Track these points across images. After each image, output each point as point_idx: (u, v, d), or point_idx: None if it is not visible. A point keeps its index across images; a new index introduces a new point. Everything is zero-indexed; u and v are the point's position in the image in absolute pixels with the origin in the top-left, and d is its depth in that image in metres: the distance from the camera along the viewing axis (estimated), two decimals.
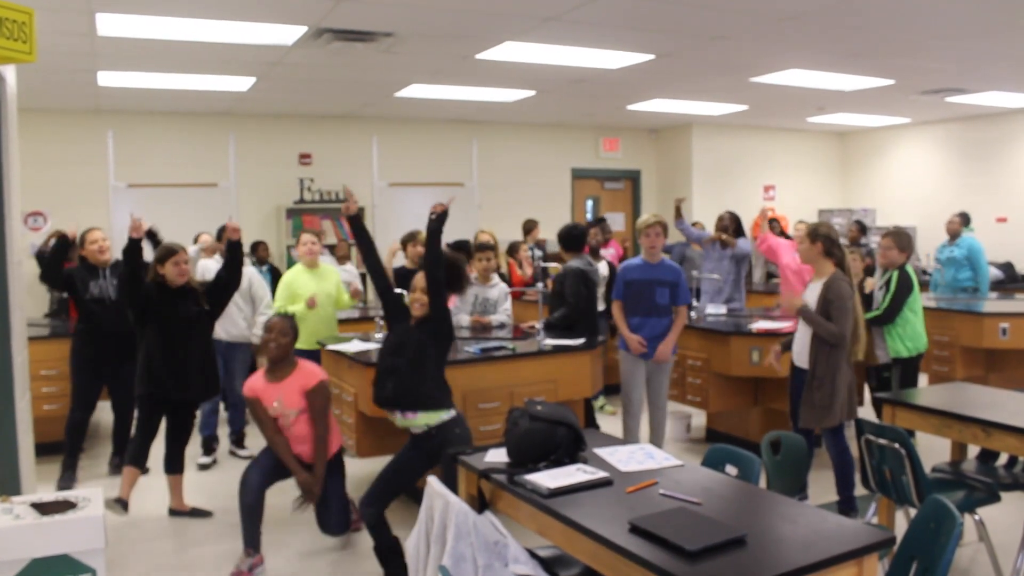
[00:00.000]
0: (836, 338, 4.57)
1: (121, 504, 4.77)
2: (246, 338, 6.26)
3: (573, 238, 6.13)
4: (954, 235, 8.82)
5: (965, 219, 9.07)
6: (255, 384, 4.40)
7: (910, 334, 5.51)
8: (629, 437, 5.55)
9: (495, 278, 6.20)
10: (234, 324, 6.13)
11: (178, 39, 5.88)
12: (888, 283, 5.54)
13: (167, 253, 4.90)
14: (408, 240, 6.65)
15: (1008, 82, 8.34)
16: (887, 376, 5.77)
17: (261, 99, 8.61)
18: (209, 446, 6.21)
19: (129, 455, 4.95)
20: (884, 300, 5.52)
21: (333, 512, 4.41)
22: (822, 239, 4.75)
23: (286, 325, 4.39)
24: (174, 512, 5.09)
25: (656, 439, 5.62)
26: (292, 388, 4.29)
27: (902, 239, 5.59)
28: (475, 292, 6.11)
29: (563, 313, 5.85)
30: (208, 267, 6.33)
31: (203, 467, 6.10)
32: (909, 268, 5.56)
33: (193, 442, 6.40)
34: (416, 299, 3.98)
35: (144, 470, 5.01)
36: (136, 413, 5.08)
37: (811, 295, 4.77)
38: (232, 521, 5.01)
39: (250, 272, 6.44)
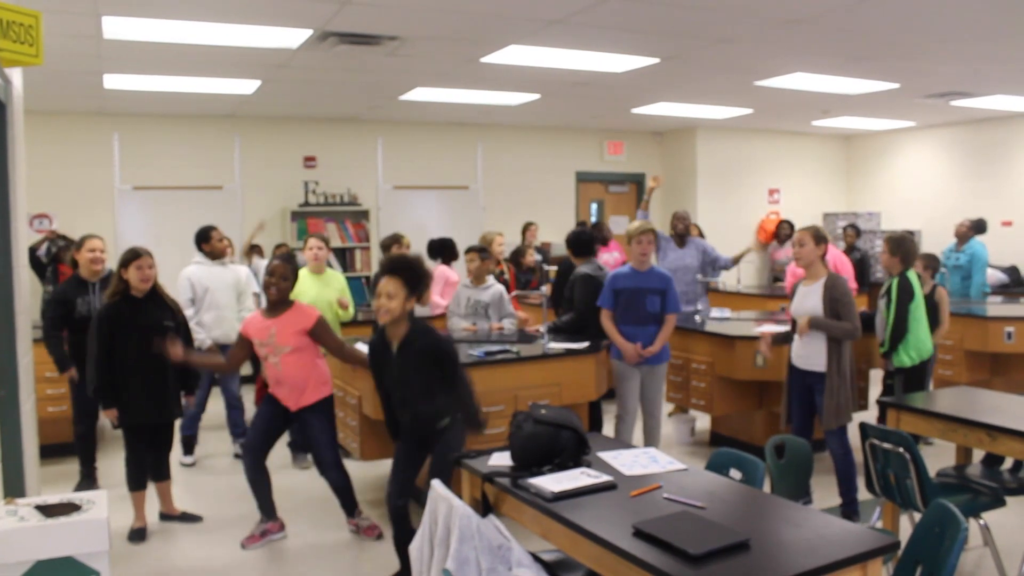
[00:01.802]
0: (852, 334, 4.64)
1: (140, 534, 4.81)
2: None
3: (583, 243, 6.11)
4: (962, 239, 8.66)
5: (978, 226, 8.80)
6: (252, 321, 4.60)
7: (913, 343, 5.31)
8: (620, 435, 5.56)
9: (489, 279, 6.10)
10: (230, 325, 6.13)
11: (184, 42, 5.89)
12: (889, 292, 5.34)
13: (131, 256, 4.69)
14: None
15: (1014, 85, 8.31)
16: (890, 383, 5.74)
17: (266, 102, 8.62)
18: (189, 445, 6.26)
19: (130, 482, 4.86)
20: (888, 313, 5.30)
21: (325, 449, 4.63)
22: (825, 244, 4.79)
23: (287, 269, 4.56)
24: (164, 516, 5.08)
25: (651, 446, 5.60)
26: (287, 324, 4.51)
27: (895, 244, 5.33)
28: (467, 295, 6.04)
29: (571, 317, 5.83)
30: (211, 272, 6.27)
31: (186, 466, 6.15)
32: (910, 274, 5.32)
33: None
34: (381, 305, 3.86)
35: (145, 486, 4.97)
36: (122, 434, 4.96)
37: (810, 299, 4.76)
38: (225, 525, 5.02)
39: (240, 270, 6.48)
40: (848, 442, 4.77)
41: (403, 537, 3.99)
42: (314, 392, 4.59)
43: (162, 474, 5.04)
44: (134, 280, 4.68)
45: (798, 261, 4.85)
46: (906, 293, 5.25)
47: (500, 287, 6.12)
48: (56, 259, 7.65)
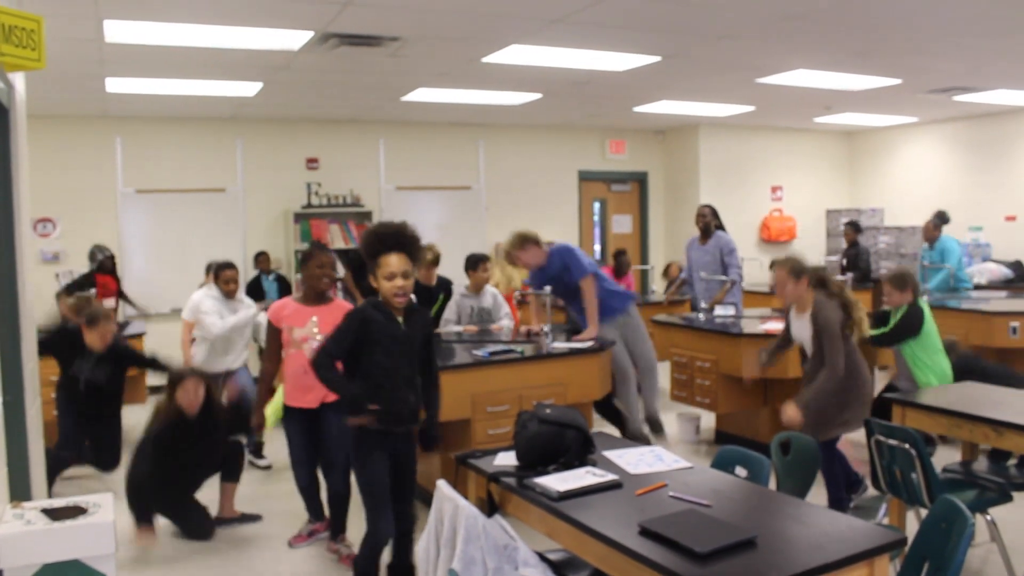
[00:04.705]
0: (833, 380, 4.50)
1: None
2: None
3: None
4: (932, 240, 8.69)
5: (942, 218, 8.81)
6: (283, 308, 4.51)
7: (937, 372, 5.33)
8: (628, 408, 5.80)
9: (485, 287, 6.35)
10: (233, 359, 6.16)
11: (185, 45, 5.90)
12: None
13: (183, 377, 4.80)
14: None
15: (1016, 80, 8.29)
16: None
17: (268, 104, 8.63)
18: (258, 450, 6.39)
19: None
20: (892, 321, 5.42)
21: (339, 450, 4.48)
22: (808, 275, 4.65)
23: (335, 259, 4.63)
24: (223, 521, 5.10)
25: (649, 405, 5.87)
26: (330, 314, 4.32)
27: (902, 280, 5.38)
28: (470, 304, 6.25)
29: None
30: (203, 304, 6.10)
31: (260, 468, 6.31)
32: (921, 302, 5.38)
33: None
34: (402, 287, 3.53)
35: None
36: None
37: (804, 331, 4.68)
38: (236, 534, 5.02)
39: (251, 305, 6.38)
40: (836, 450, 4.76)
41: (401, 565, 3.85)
42: None
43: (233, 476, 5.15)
44: (186, 403, 4.74)
45: (785, 300, 4.77)
46: (908, 323, 5.32)
47: (494, 289, 6.42)
48: (101, 268, 7.75)
